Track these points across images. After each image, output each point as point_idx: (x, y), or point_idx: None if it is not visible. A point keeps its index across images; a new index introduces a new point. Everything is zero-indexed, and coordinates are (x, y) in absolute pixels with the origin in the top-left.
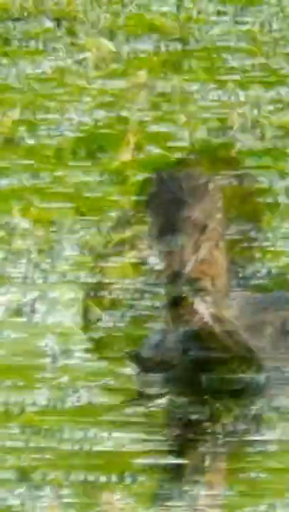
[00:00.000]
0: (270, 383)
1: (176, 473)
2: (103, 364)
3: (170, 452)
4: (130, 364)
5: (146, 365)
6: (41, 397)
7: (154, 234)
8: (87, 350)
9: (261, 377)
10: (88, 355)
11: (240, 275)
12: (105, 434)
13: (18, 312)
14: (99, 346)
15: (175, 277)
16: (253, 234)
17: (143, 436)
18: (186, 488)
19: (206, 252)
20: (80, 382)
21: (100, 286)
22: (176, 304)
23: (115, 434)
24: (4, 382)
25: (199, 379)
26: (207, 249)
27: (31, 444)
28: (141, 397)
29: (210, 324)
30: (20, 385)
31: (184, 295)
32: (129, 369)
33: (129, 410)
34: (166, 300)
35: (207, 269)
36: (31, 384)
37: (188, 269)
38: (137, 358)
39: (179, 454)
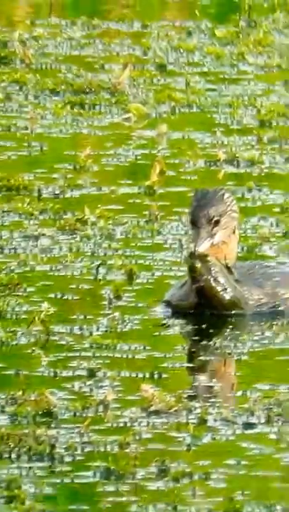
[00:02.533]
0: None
1: None
2: None
3: None
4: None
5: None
6: None
7: (188, 227)
8: None
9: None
10: None
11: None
12: None
13: None
14: None
15: (191, 254)
16: None
17: None
18: None
19: (220, 238)
20: None
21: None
22: (191, 270)
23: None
24: None
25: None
26: (222, 236)
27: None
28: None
29: (209, 282)
30: None
31: (196, 265)
32: None
33: None
34: (187, 267)
35: (224, 248)
36: None
37: (198, 249)
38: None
39: None
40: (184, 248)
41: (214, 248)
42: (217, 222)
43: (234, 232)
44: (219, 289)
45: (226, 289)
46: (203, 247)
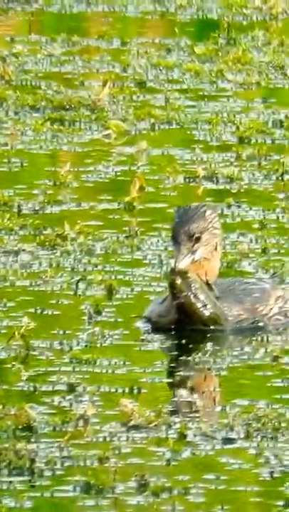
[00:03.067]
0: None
1: None
2: None
3: None
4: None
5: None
6: None
7: (169, 243)
8: None
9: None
10: None
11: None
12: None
13: None
14: None
15: (171, 270)
16: None
17: None
18: None
19: (201, 255)
20: None
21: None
22: (171, 286)
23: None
24: None
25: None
26: (203, 253)
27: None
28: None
29: (189, 299)
30: None
31: (176, 281)
32: None
33: None
34: (167, 283)
35: (206, 265)
36: None
37: (179, 266)
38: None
39: None
40: (163, 264)
41: (196, 264)
42: (198, 239)
43: (216, 249)
44: (199, 305)
45: (205, 305)
46: (183, 264)
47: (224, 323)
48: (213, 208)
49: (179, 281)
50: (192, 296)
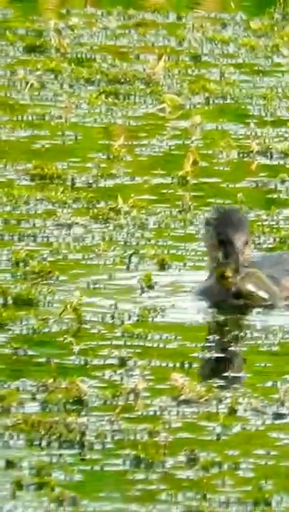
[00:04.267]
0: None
1: None
2: None
3: None
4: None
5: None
6: None
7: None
8: None
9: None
10: None
11: None
12: None
13: None
14: None
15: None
16: None
17: None
18: None
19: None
20: None
21: None
22: (222, 277)
23: None
24: None
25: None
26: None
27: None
28: None
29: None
30: None
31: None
32: None
33: None
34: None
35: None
36: None
37: (240, 261)
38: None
39: None
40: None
41: None
42: (247, 243)
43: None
44: (255, 290)
45: (261, 289)
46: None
47: (277, 302)
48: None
49: (230, 275)
50: (247, 285)
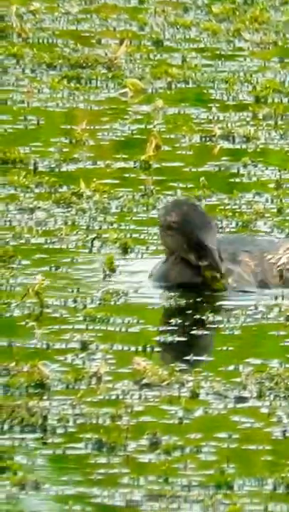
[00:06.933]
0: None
1: None
2: None
3: None
4: None
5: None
6: None
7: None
8: None
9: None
10: None
11: None
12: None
13: None
14: None
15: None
16: None
17: None
18: None
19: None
20: None
21: None
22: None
23: None
24: None
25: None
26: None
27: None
28: None
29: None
30: None
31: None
32: None
33: None
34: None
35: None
36: None
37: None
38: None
39: None
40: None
41: None
42: None
43: None
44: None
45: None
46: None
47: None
48: None
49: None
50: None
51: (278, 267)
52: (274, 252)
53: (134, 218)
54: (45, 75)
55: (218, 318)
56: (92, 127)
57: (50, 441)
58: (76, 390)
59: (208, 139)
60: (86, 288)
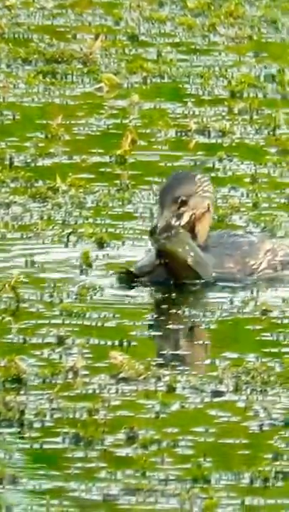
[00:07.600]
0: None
1: None
2: None
3: None
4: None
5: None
6: None
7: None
8: None
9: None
10: None
11: None
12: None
13: None
14: None
15: (154, 228)
16: None
17: None
18: None
19: (188, 218)
20: None
21: None
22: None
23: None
24: None
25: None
26: (189, 216)
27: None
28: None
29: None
30: None
31: (157, 238)
32: None
33: None
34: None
35: (197, 225)
36: None
37: (160, 225)
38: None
39: None
40: (154, 217)
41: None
42: (184, 203)
43: (209, 210)
44: (181, 251)
45: (189, 252)
46: (162, 223)
47: (206, 276)
48: (205, 174)
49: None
50: (175, 244)
51: (259, 272)
52: (255, 257)
53: (109, 213)
54: (21, 70)
55: (195, 312)
56: (67, 122)
57: (27, 435)
58: (53, 385)
59: (183, 133)
60: (62, 282)
